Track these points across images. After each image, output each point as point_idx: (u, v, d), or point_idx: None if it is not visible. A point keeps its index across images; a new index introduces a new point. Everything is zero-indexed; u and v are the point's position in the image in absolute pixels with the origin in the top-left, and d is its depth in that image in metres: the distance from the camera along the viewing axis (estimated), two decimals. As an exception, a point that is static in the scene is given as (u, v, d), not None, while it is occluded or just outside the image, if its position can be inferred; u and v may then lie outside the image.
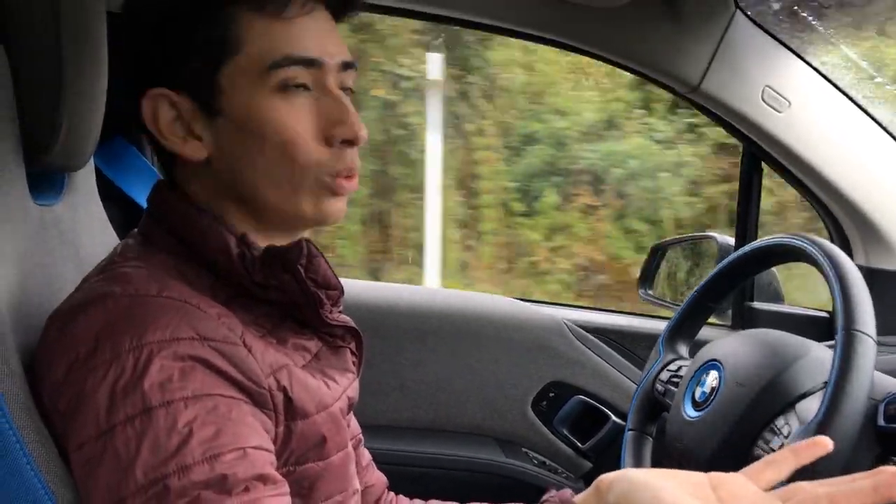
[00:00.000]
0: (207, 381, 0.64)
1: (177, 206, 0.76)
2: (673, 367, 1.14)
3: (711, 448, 0.96)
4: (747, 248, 1.09)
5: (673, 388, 1.10)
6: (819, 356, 0.95)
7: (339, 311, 0.84)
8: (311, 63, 0.72)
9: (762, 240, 1.08)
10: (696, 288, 1.16)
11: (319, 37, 0.74)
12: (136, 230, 0.79)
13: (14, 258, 0.72)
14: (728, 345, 1.06)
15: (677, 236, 1.86)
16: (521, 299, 1.67)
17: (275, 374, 0.70)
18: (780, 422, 0.91)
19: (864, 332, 0.84)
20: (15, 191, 0.74)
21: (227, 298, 0.72)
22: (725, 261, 1.13)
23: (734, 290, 1.22)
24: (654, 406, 1.14)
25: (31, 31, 0.73)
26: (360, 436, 0.98)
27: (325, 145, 0.74)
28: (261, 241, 0.76)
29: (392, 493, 1.01)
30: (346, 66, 0.76)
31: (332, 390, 0.77)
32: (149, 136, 0.76)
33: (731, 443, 0.94)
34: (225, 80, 0.72)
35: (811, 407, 0.89)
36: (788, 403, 0.92)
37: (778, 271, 1.60)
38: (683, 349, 1.17)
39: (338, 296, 0.80)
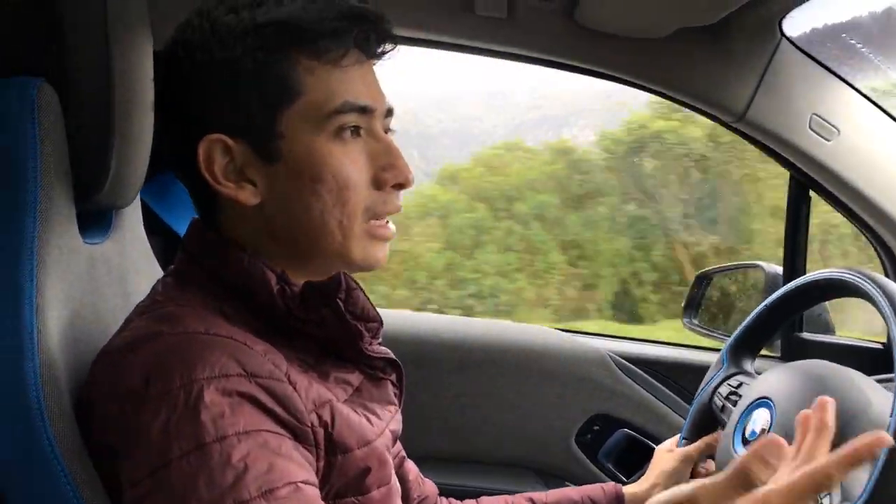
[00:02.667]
0: (255, 417, 0.64)
1: (216, 245, 0.77)
2: (734, 381, 1.10)
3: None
4: (799, 281, 1.06)
5: (731, 405, 1.07)
6: (878, 413, 0.89)
7: (379, 343, 0.84)
8: (364, 110, 0.75)
9: (815, 273, 1.06)
10: (766, 300, 1.12)
11: (370, 84, 0.76)
12: (171, 268, 0.80)
13: (65, 299, 0.73)
14: (782, 381, 1.02)
15: (723, 265, 1.83)
16: (564, 330, 1.65)
17: (317, 411, 0.70)
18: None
19: None
20: (66, 232, 0.75)
21: (270, 334, 0.72)
22: (777, 293, 1.10)
23: (787, 321, 1.18)
24: (711, 420, 1.11)
25: (82, 73, 0.74)
26: (402, 452, 0.98)
27: (374, 189, 0.75)
28: (299, 279, 0.76)
29: (444, 498, 1.03)
30: (389, 112, 0.79)
31: (375, 426, 0.78)
32: (188, 181, 0.77)
33: None
34: (283, 125, 0.73)
35: (858, 478, 0.84)
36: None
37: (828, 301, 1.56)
38: (748, 364, 1.13)
39: (377, 328, 0.81)
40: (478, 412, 1.55)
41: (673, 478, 1.07)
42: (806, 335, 1.52)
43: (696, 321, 1.71)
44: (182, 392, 0.63)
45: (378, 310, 0.80)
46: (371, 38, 0.75)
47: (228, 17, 0.72)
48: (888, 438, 0.58)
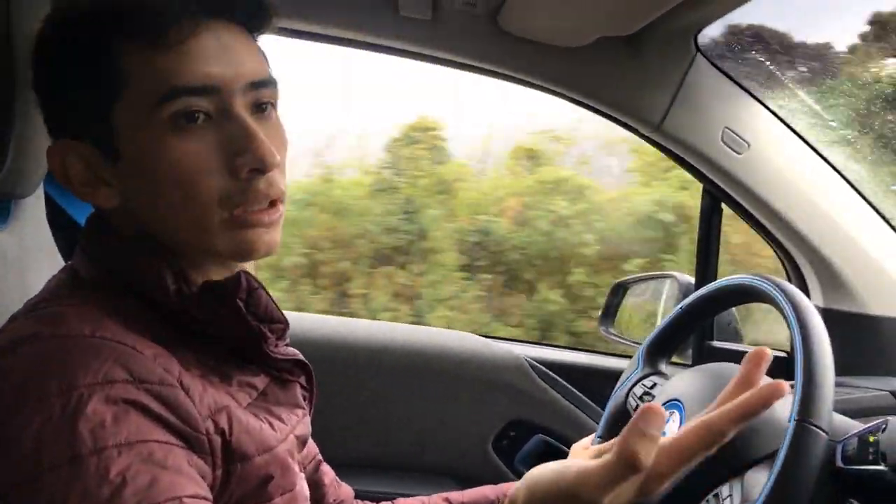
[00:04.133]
0: (143, 427, 0.61)
1: (111, 241, 0.73)
2: (648, 382, 1.12)
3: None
4: (712, 286, 1.09)
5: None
6: (777, 418, 0.91)
7: (286, 345, 0.81)
8: (204, 91, 0.67)
9: (726, 279, 1.08)
10: (680, 304, 1.14)
11: (212, 59, 0.67)
12: (66, 264, 0.76)
13: None
14: (690, 384, 1.05)
15: (638, 274, 1.87)
16: (482, 335, 1.66)
17: (213, 417, 0.67)
18: (724, 490, 0.89)
19: (817, 427, 0.80)
20: None
21: (167, 336, 0.69)
22: (690, 297, 1.12)
23: (697, 327, 1.21)
24: (625, 419, 1.12)
25: None
26: (319, 456, 0.96)
27: (232, 177, 0.68)
28: (199, 277, 0.73)
29: (360, 502, 1.00)
30: (258, 84, 0.70)
31: (278, 431, 0.75)
32: None
33: (673, 500, 0.91)
34: (117, 120, 0.67)
35: (758, 481, 0.86)
36: (737, 470, 0.89)
37: (737, 310, 1.61)
38: (662, 365, 1.15)
39: (282, 329, 0.78)
40: (395, 417, 1.53)
41: None
42: (716, 343, 1.57)
43: (612, 329, 1.74)
44: (59, 400, 0.58)
45: (294, 313, 0.78)
46: (197, 5, 0.66)
47: (71, 4, 0.69)
48: (784, 386, 0.58)
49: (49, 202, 1.12)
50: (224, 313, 0.71)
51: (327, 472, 0.99)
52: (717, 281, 1.09)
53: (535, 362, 1.59)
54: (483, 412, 1.54)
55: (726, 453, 0.90)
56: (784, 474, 0.80)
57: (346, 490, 1.01)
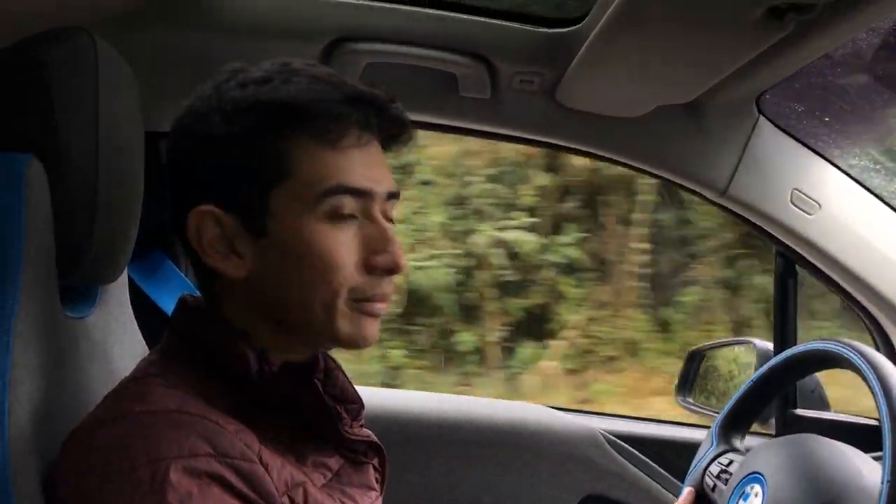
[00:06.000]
0: (224, 499, 0.63)
1: (200, 320, 0.77)
2: (724, 459, 1.08)
3: None
4: (784, 355, 1.06)
5: (722, 483, 1.04)
6: (868, 486, 0.88)
7: (361, 426, 0.83)
8: (360, 193, 0.74)
9: (801, 346, 1.05)
10: (753, 376, 1.12)
11: (370, 167, 0.75)
12: (157, 347, 0.80)
13: (41, 372, 0.72)
14: (773, 456, 1.00)
15: (715, 341, 1.82)
16: (554, 407, 1.63)
17: (290, 493, 0.68)
18: None
19: None
20: (46, 304, 0.75)
21: (248, 413, 0.71)
22: (762, 368, 1.09)
23: (778, 395, 1.17)
24: (703, 499, 1.08)
25: (69, 147, 0.75)
26: None
27: (364, 272, 0.74)
28: (280, 357, 0.75)
29: None
30: (391, 195, 0.78)
31: None
32: (188, 251, 0.77)
33: None
34: (275, 203, 0.72)
35: None
36: None
37: (821, 376, 1.55)
38: (737, 441, 1.11)
39: (358, 409, 0.80)
40: (467, 494, 1.51)
41: None
42: (800, 412, 1.50)
43: (689, 399, 1.69)
44: (148, 469, 0.61)
45: (358, 388, 0.79)
46: (373, 121, 0.75)
47: (235, 91, 0.74)
48: None
49: (133, 287, 1.17)
50: (302, 393, 0.74)
51: None
52: (792, 349, 1.06)
53: (610, 435, 1.55)
54: (558, 487, 1.50)
55: None
56: None
57: None
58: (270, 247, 0.73)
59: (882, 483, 0.78)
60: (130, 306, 1.06)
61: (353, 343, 0.76)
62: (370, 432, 0.84)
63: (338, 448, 0.79)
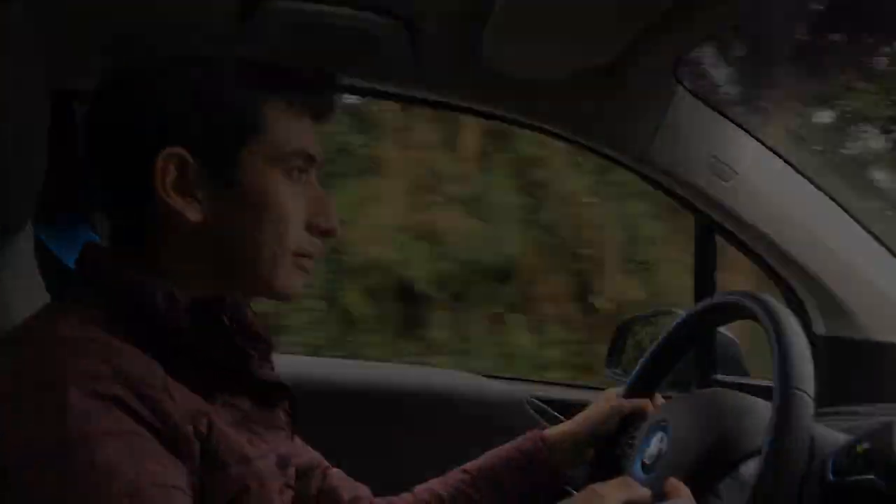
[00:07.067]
0: (124, 421, 0.64)
1: (106, 263, 0.77)
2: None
3: None
4: (692, 309, 1.09)
5: (630, 449, 1.07)
6: (762, 414, 0.92)
7: (271, 368, 0.84)
8: (311, 159, 0.81)
9: (707, 300, 1.08)
10: (649, 349, 1.15)
11: (314, 137, 0.83)
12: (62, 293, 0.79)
13: None
14: (677, 406, 1.03)
15: (640, 314, 1.84)
16: (486, 375, 1.64)
17: (193, 421, 0.69)
18: (722, 487, 0.88)
19: (800, 390, 0.83)
20: None
21: (153, 350, 0.71)
22: (674, 322, 1.12)
23: (687, 353, 1.20)
24: (613, 465, 1.11)
25: None
26: (325, 464, 1.02)
27: (306, 231, 0.81)
28: (185, 297, 0.75)
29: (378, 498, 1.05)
30: (321, 163, 0.84)
31: (257, 447, 0.77)
32: (117, 196, 0.78)
33: None
34: (244, 155, 0.77)
35: (753, 469, 0.86)
36: (731, 465, 0.89)
37: (742, 345, 1.58)
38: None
39: (267, 349, 0.81)
40: (396, 464, 1.50)
41: (595, 422, 1.11)
42: (720, 377, 1.54)
43: (617, 370, 1.72)
44: (48, 394, 0.62)
45: (285, 355, 0.81)
46: (325, 100, 0.83)
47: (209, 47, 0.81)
48: None
49: (41, 249, 1.14)
50: (209, 329, 0.75)
51: (337, 475, 1.03)
52: (696, 305, 1.09)
53: (538, 402, 1.56)
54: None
55: (719, 451, 0.90)
56: (775, 446, 0.80)
57: (363, 488, 1.05)
58: (233, 197, 0.77)
59: (773, 410, 0.81)
60: (36, 266, 1.04)
61: (286, 294, 0.81)
62: (279, 375, 0.84)
63: (247, 389, 0.79)
